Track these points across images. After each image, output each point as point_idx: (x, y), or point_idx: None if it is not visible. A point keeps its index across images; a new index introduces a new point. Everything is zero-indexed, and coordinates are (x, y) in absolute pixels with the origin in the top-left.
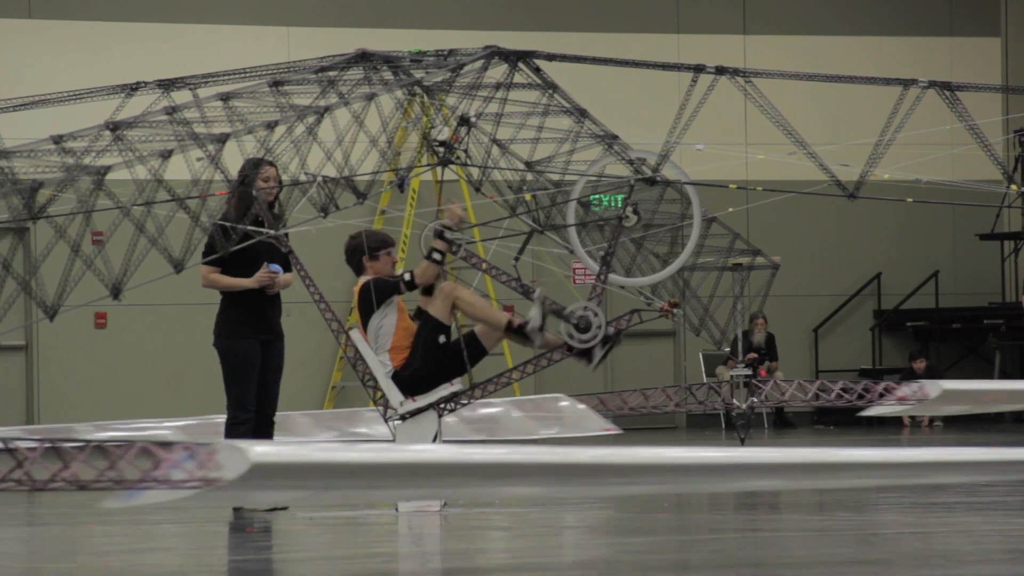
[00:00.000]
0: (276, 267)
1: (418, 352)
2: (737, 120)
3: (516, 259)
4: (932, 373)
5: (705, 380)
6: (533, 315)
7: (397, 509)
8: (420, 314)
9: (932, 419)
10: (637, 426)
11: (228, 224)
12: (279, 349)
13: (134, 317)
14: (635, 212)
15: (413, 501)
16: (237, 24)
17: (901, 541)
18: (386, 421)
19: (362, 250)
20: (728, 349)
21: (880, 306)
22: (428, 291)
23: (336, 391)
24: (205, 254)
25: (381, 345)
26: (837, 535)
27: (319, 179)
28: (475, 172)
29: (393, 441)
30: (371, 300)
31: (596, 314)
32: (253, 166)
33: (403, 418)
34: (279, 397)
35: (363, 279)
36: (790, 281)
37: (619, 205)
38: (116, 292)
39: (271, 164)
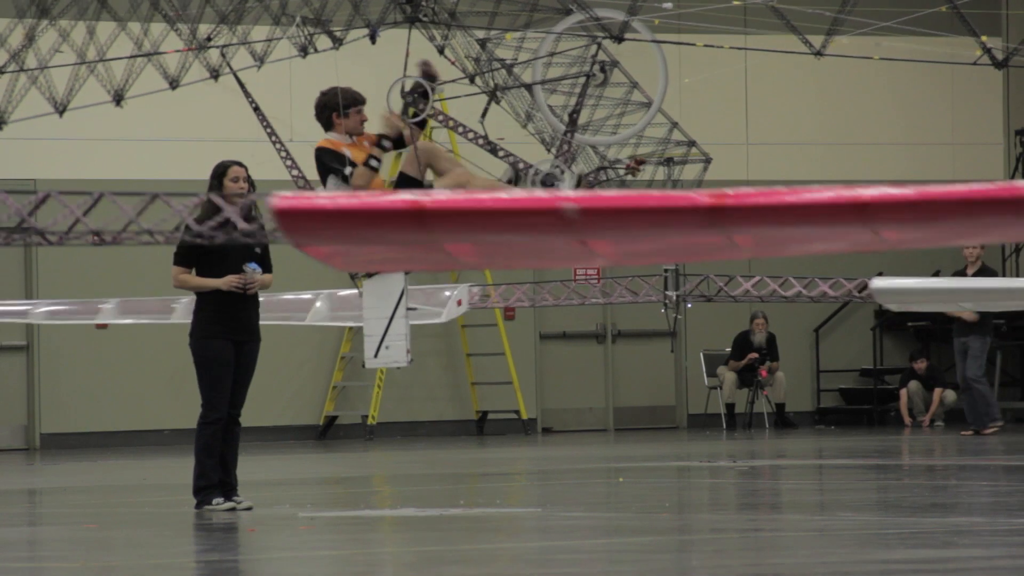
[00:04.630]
0: (254, 265)
1: None
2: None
3: (483, 117)
4: (933, 373)
5: (706, 381)
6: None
7: (364, 365)
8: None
9: (932, 420)
10: (637, 425)
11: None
12: (252, 350)
13: None
14: (602, 70)
15: (382, 356)
16: None
17: (900, 541)
18: (352, 278)
19: (333, 106)
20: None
21: (881, 306)
22: (400, 144)
23: (337, 391)
24: (176, 254)
25: None
26: (837, 535)
27: (298, 19)
28: (438, 36)
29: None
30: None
31: (563, 171)
32: (223, 170)
33: (369, 275)
34: (248, 397)
35: (325, 138)
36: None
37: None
38: (118, 99)
39: (240, 164)
